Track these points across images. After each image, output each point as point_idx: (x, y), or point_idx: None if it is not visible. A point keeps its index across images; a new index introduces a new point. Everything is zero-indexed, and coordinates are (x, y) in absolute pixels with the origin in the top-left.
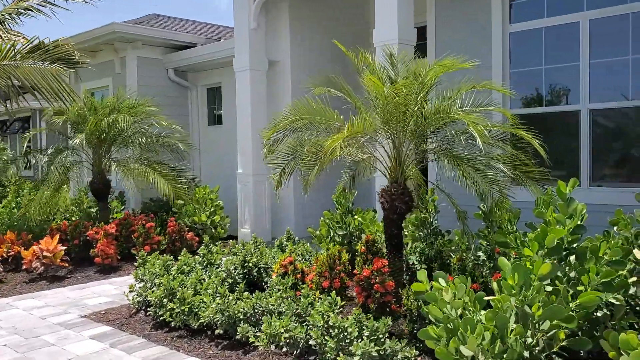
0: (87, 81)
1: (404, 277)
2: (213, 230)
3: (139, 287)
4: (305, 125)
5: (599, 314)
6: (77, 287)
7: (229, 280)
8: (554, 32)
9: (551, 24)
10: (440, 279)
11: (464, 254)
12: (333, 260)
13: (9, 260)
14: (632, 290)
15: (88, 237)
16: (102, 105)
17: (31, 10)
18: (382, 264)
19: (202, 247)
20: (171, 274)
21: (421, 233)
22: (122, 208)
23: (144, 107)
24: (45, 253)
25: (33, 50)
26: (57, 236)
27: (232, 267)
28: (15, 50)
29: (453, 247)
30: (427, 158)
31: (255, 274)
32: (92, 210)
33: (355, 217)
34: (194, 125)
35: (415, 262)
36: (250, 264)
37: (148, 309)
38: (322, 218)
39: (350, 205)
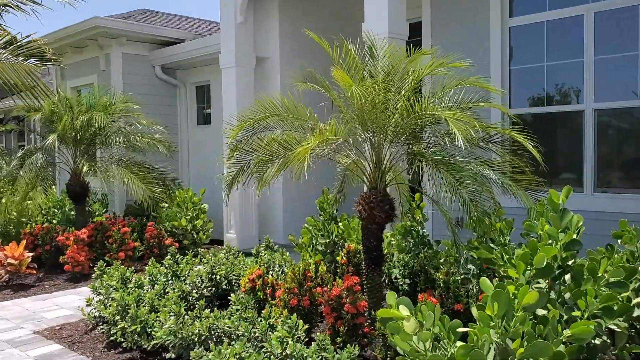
0: (73, 78)
1: (384, 293)
2: (195, 236)
3: (97, 301)
4: (274, 123)
5: (597, 341)
6: (41, 297)
7: (194, 295)
8: (556, 26)
9: (554, 17)
10: (401, 306)
11: (452, 267)
12: (303, 275)
13: None
14: (636, 313)
15: (59, 243)
16: (78, 103)
17: (10, 7)
18: (353, 281)
19: (168, 257)
20: (128, 287)
21: (408, 243)
22: (103, 211)
23: (122, 105)
24: (10, 260)
25: (5, 46)
26: (24, 242)
27: (199, 280)
28: None
29: (441, 260)
30: (413, 162)
31: (225, 287)
32: (73, 213)
33: (340, 224)
34: (182, 125)
35: (398, 276)
36: (219, 276)
37: (104, 326)
38: (305, 225)
39: (335, 211)
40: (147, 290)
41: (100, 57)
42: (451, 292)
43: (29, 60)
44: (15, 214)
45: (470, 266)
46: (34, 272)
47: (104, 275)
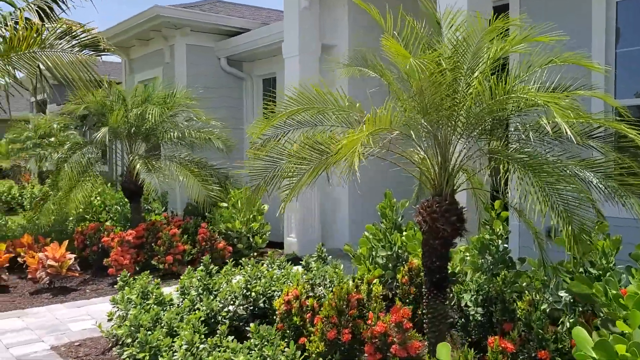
0: (140, 72)
1: (450, 323)
2: (250, 239)
3: (117, 317)
4: (313, 117)
5: None
6: (77, 304)
7: (224, 314)
8: None
9: None
10: None
11: (539, 294)
12: (345, 301)
13: (24, 266)
14: None
15: (104, 244)
16: (133, 96)
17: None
18: (403, 315)
19: (200, 267)
20: (148, 302)
21: (486, 260)
22: (162, 209)
23: (181, 99)
24: (50, 262)
25: (61, 36)
26: (65, 243)
27: (231, 296)
28: (44, 37)
29: (525, 284)
30: (489, 162)
31: (262, 305)
32: (129, 209)
33: (404, 234)
34: (248, 119)
35: (470, 304)
36: (254, 293)
37: (118, 348)
38: (364, 233)
39: (400, 218)
40: (178, 305)
41: (165, 49)
42: (534, 333)
43: (84, 51)
44: (81, 209)
45: (561, 293)
46: (76, 274)
47: (126, 288)
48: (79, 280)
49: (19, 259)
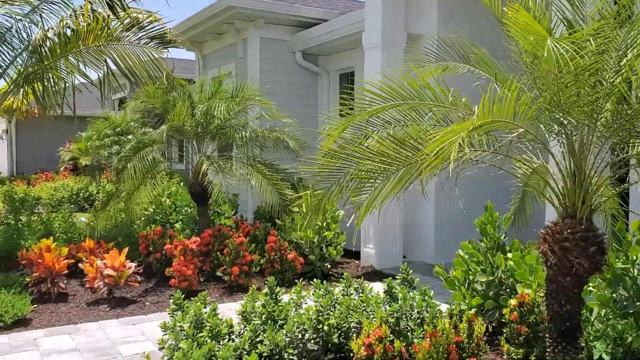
0: (213, 68)
1: None
2: (323, 250)
3: (168, 346)
4: (403, 114)
5: None
6: (132, 320)
7: (291, 351)
8: None
9: None
10: None
11: None
12: (445, 353)
13: (85, 273)
14: None
15: (166, 252)
16: (199, 92)
17: None
18: None
19: (265, 290)
20: (202, 335)
21: (618, 294)
22: (232, 213)
23: (252, 95)
24: (108, 271)
25: (129, 28)
26: (125, 250)
27: (298, 330)
28: (110, 28)
29: None
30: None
31: (337, 340)
32: (195, 212)
33: (509, 255)
34: (324, 117)
35: (605, 356)
36: (327, 327)
37: None
38: (458, 251)
39: (504, 236)
40: (239, 334)
41: (238, 42)
42: None
43: (150, 44)
44: (150, 211)
45: None
46: (136, 284)
47: (179, 312)
48: (140, 290)
49: (79, 265)
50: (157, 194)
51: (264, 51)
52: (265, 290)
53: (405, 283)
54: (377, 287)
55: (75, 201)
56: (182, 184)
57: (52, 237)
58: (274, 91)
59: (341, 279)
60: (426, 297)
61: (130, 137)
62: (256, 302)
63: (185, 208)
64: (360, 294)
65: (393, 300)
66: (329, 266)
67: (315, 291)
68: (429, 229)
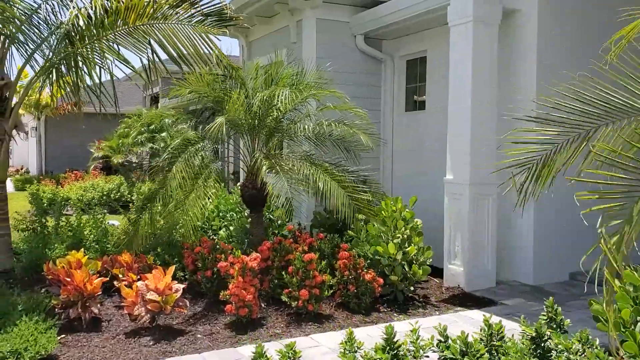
0: (261, 56)
1: None
2: (406, 268)
3: None
4: None
5: None
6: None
7: None
8: None
9: None
10: None
11: None
12: None
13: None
14: None
15: (220, 271)
16: (253, 77)
17: None
18: None
19: (346, 333)
20: None
21: None
22: (287, 220)
23: (316, 81)
24: (150, 295)
25: (177, 4)
26: (172, 269)
27: None
28: (156, 3)
29: None
30: None
31: None
32: (250, 220)
33: None
34: (386, 111)
35: None
36: None
37: None
38: (617, 284)
39: None
40: None
41: (291, 26)
42: None
43: (205, 22)
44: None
45: None
46: (184, 310)
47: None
48: (187, 316)
49: (115, 283)
50: (201, 207)
51: (321, 35)
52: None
53: (553, 323)
54: (476, 317)
55: (106, 202)
56: (222, 185)
57: (82, 247)
58: (332, 81)
59: (428, 305)
60: (587, 353)
61: (164, 134)
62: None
63: (231, 213)
64: (489, 338)
65: (543, 352)
66: (412, 288)
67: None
68: (526, 242)
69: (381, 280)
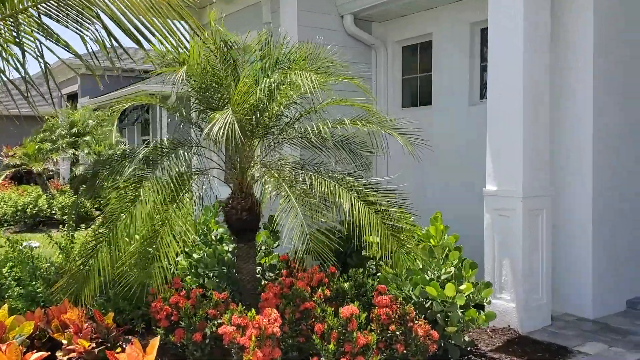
0: None
1: None
2: (460, 314)
3: None
4: None
5: None
6: None
7: None
8: None
9: None
10: None
11: None
12: None
13: None
14: None
15: (223, 338)
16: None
17: None
18: None
19: None
20: None
21: None
22: (275, 245)
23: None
24: None
25: None
26: (155, 343)
27: None
28: None
29: None
30: None
31: None
32: (227, 249)
33: None
34: (380, 106)
35: None
36: None
37: None
38: None
39: None
40: None
41: (263, 2)
42: None
43: None
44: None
45: None
46: None
47: None
48: None
49: (59, 355)
50: (182, 245)
51: (303, 14)
52: None
53: None
54: None
55: (21, 218)
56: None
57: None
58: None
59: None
60: None
61: (87, 138)
62: None
63: (202, 238)
64: None
65: None
66: (467, 339)
67: None
68: (583, 265)
69: (436, 335)
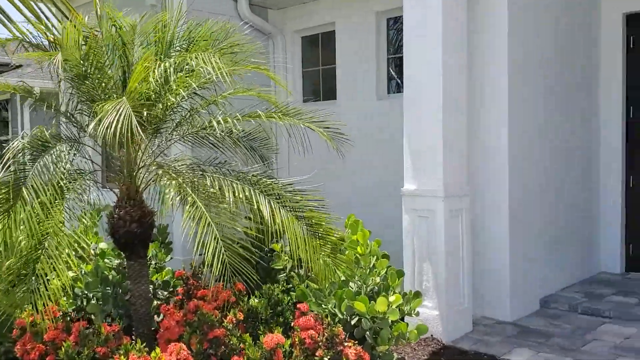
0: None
1: None
2: (388, 330)
3: None
4: None
5: None
6: None
7: None
8: None
9: None
10: None
11: None
12: None
13: None
14: None
15: None
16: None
17: None
18: None
19: None
20: None
21: None
22: (168, 259)
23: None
24: None
25: None
26: None
27: None
28: None
29: None
30: None
31: None
32: (111, 267)
33: None
34: (279, 100)
35: None
36: None
37: None
38: None
39: None
40: None
41: None
42: None
43: None
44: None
45: None
46: None
47: None
48: None
49: None
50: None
51: None
52: None
53: None
54: None
55: None
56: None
57: None
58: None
59: None
60: None
61: None
62: None
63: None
64: None
65: None
66: (397, 356)
67: None
68: (500, 263)
69: (368, 357)
